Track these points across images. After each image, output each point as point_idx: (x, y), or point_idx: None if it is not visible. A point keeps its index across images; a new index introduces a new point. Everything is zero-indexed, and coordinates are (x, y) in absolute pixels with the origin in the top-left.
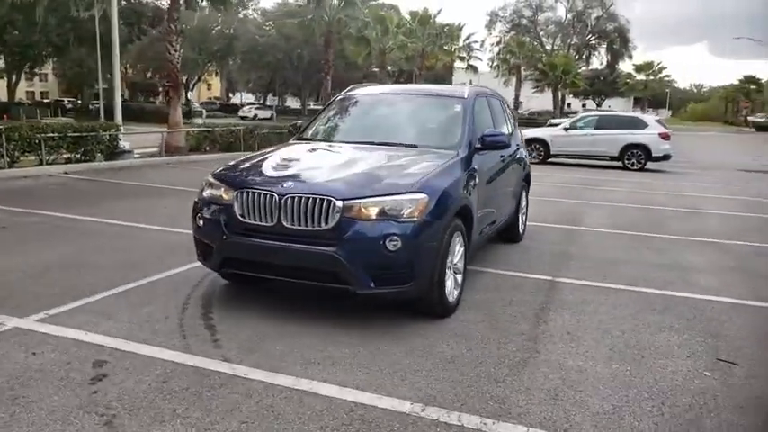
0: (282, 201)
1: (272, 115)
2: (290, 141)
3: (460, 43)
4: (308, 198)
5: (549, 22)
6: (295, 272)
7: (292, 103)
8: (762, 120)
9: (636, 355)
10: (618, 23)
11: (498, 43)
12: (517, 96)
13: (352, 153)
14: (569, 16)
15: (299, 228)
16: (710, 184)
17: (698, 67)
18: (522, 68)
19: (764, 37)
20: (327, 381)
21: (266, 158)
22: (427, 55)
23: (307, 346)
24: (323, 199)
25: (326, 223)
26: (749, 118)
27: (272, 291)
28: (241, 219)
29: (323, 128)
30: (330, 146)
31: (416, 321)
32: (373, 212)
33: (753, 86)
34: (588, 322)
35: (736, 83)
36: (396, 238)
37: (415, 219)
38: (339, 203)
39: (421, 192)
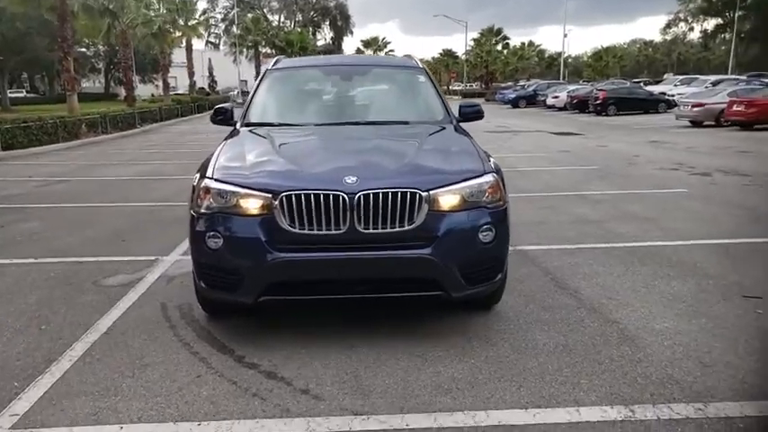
0: (355, 200)
1: None
2: (239, 128)
3: (198, 18)
4: (388, 193)
5: None
6: (374, 286)
7: None
8: (460, 88)
9: (687, 307)
10: (337, 1)
11: (224, 19)
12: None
13: (360, 135)
14: None
15: (379, 231)
16: (481, 144)
17: (393, 42)
18: (260, 45)
19: (453, 15)
20: (499, 407)
21: (265, 151)
22: (167, 32)
23: (412, 372)
24: (406, 192)
25: (412, 221)
26: (451, 87)
27: (258, 311)
28: (291, 230)
29: (277, 109)
30: (314, 129)
31: (465, 314)
32: (456, 202)
33: (451, 59)
34: (610, 285)
35: (438, 56)
36: (488, 227)
37: (499, 203)
38: (424, 194)
39: (493, 172)
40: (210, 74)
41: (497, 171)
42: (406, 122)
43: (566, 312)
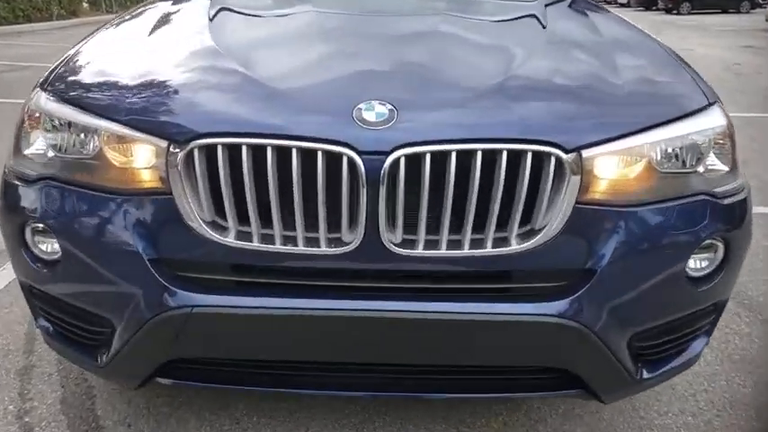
0: (385, 169)
1: None
2: None
3: None
4: (475, 152)
5: None
6: (422, 382)
7: None
8: None
9: None
10: None
11: None
12: None
13: (399, 7)
14: None
15: (442, 253)
16: None
17: None
18: None
19: None
20: None
21: (183, 32)
22: None
23: None
24: (523, 152)
25: (530, 228)
26: None
27: None
28: (219, 239)
29: None
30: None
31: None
32: (645, 178)
33: None
34: None
35: None
36: (712, 241)
37: (736, 182)
38: (567, 158)
39: (719, 102)
40: None
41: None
42: None
43: None
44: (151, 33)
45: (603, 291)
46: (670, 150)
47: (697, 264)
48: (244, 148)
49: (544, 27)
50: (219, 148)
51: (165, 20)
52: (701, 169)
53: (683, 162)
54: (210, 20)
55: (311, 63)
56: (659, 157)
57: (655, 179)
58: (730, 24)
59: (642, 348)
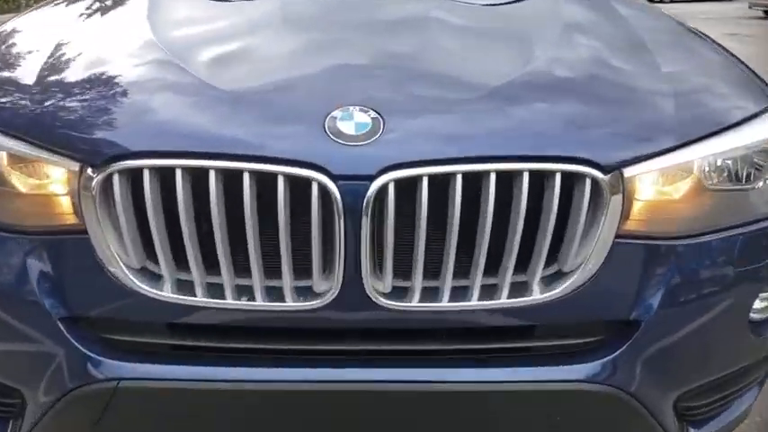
0: (368, 198)
1: None
2: None
3: None
4: (486, 174)
5: None
6: None
7: None
8: None
9: None
10: None
11: None
12: None
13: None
14: None
15: (444, 306)
16: None
17: None
18: None
19: None
20: None
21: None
22: None
23: None
24: (550, 174)
25: (555, 270)
26: None
27: None
28: (151, 290)
29: None
30: None
31: None
32: (699, 201)
33: None
34: None
35: None
36: None
37: None
38: (605, 180)
39: None
40: None
41: None
42: None
43: None
44: (78, 20)
45: (650, 346)
46: (728, 165)
47: (760, 305)
48: (179, 173)
49: (562, 14)
50: (146, 173)
51: (99, 3)
52: (760, 184)
53: (743, 179)
54: (150, 4)
55: (272, 59)
56: (715, 175)
57: (711, 202)
58: (714, 12)
59: (689, 408)
